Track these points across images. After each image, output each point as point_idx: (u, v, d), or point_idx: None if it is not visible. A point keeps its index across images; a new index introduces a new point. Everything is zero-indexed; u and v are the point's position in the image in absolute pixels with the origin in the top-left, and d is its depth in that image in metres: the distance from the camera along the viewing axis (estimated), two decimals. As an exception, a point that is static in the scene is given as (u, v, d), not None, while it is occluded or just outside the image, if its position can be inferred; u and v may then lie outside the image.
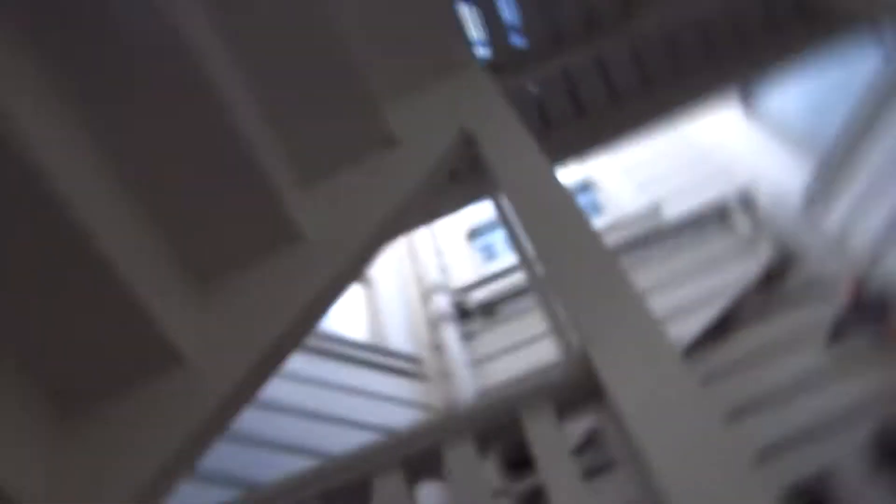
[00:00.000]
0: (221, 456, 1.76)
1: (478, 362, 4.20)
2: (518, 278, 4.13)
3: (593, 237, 1.43)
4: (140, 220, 1.39)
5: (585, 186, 5.22)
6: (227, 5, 1.49)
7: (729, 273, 3.96)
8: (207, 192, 1.48)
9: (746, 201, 4.28)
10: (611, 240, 4.05)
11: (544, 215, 1.54)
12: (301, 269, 1.46)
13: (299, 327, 1.39)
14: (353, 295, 4.32)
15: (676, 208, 4.44)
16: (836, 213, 3.81)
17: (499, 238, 5.01)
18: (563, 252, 1.43)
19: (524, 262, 1.77)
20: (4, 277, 1.21)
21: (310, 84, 1.67)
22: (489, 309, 4.41)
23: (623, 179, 4.93)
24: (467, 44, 1.97)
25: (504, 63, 2.89)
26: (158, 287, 1.36)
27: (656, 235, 4.36)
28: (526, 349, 3.98)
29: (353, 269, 1.50)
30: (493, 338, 4.30)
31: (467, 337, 4.34)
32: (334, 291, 1.46)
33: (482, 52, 2.94)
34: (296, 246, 1.49)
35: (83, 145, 1.29)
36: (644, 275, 3.85)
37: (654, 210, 4.53)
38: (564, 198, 1.56)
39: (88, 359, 1.33)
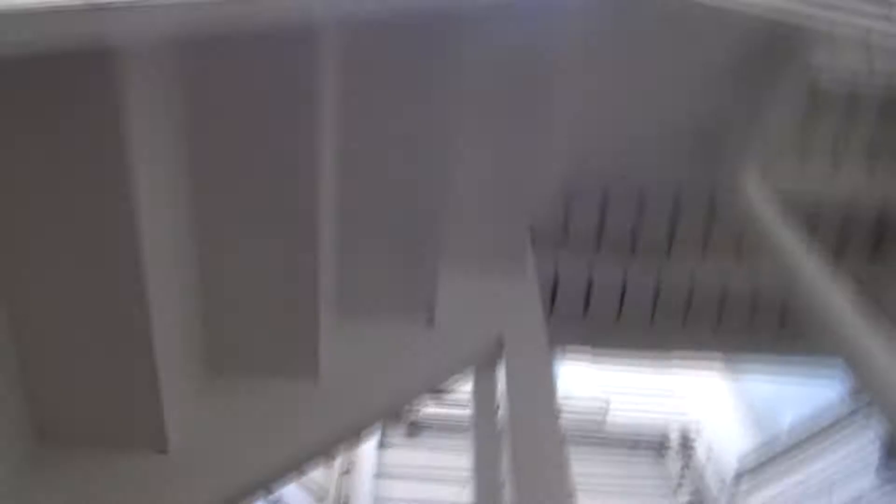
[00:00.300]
0: None
1: (382, 473, 4.21)
2: (456, 414, 4.16)
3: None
4: (190, 290, 1.44)
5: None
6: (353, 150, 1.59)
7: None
8: (260, 288, 1.54)
9: (685, 444, 4.42)
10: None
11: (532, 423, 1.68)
12: (310, 406, 1.51)
13: (288, 469, 1.43)
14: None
15: (621, 419, 4.56)
16: (758, 499, 3.97)
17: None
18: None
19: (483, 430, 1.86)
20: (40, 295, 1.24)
21: (385, 225, 1.77)
22: (415, 429, 4.44)
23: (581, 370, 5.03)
24: (528, 250, 2.09)
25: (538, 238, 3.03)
26: (176, 365, 1.40)
27: (592, 435, 4.46)
28: (433, 483, 4.00)
29: (357, 429, 1.55)
30: (407, 457, 4.32)
31: (383, 444, 4.35)
32: (334, 443, 1.51)
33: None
34: (315, 374, 1.54)
35: (175, 208, 1.35)
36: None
37: (601, 412, 4.64)
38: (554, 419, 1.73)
39: (81, 403, 1.35)
